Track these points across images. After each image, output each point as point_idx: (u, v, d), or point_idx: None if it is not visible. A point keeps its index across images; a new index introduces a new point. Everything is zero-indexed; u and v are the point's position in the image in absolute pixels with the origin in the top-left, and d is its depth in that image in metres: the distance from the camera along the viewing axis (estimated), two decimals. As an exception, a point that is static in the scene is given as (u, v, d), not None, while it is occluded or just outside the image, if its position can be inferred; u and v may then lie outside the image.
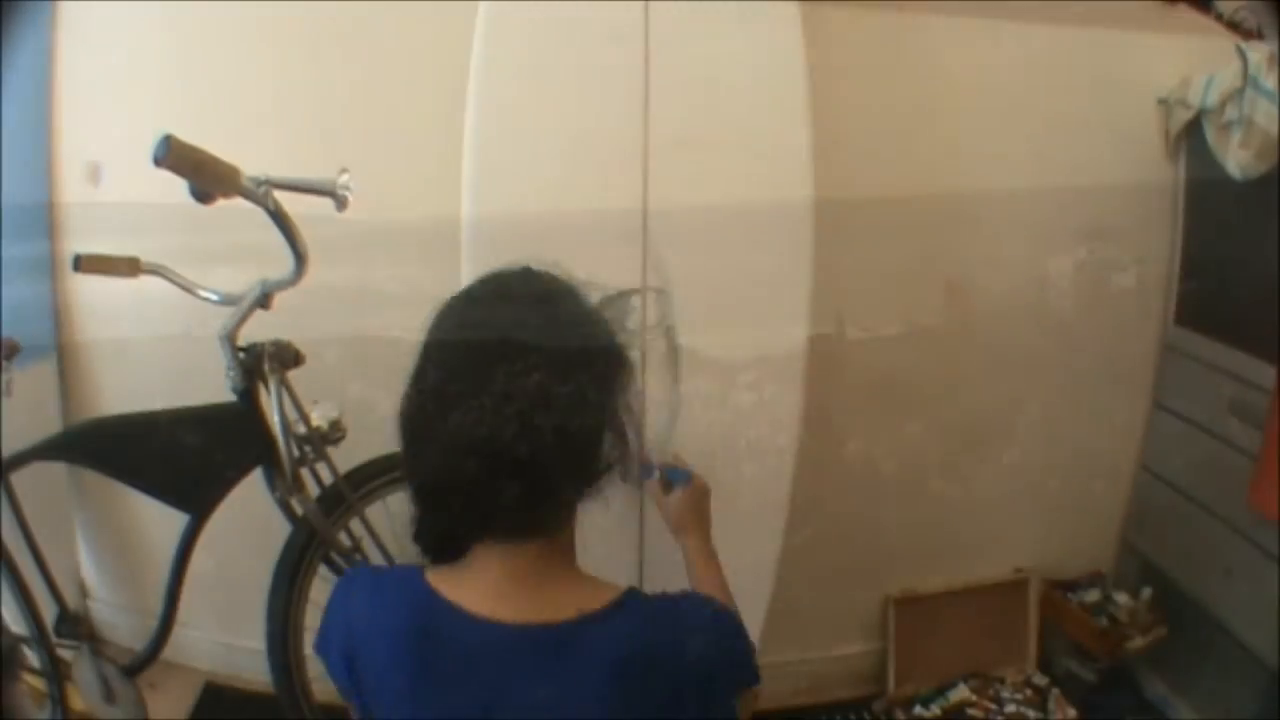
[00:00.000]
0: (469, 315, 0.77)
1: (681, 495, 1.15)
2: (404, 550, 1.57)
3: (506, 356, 0.70)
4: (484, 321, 0.75)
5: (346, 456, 1.50)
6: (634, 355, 1.26)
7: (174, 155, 1.02)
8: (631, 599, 0.74)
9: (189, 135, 1.04)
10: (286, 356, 1.38)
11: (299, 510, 1.41)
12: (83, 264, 1.43)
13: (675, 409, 1.35)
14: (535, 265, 0.82)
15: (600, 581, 0.76)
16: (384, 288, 1.71)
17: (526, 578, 0.73)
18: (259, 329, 1.36)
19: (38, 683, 1.51)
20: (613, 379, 0.77)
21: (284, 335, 1.39)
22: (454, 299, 0.81)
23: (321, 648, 0.82)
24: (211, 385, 1.37)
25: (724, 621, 0.80)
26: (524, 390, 0.69)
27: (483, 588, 0.73)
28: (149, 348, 1.79)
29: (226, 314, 1.35)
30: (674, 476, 1.17)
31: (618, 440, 0.77)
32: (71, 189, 1.76)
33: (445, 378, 0.73)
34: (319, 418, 1.42)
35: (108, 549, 1.95)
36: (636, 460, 0.83)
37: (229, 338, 1.34)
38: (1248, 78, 1.56)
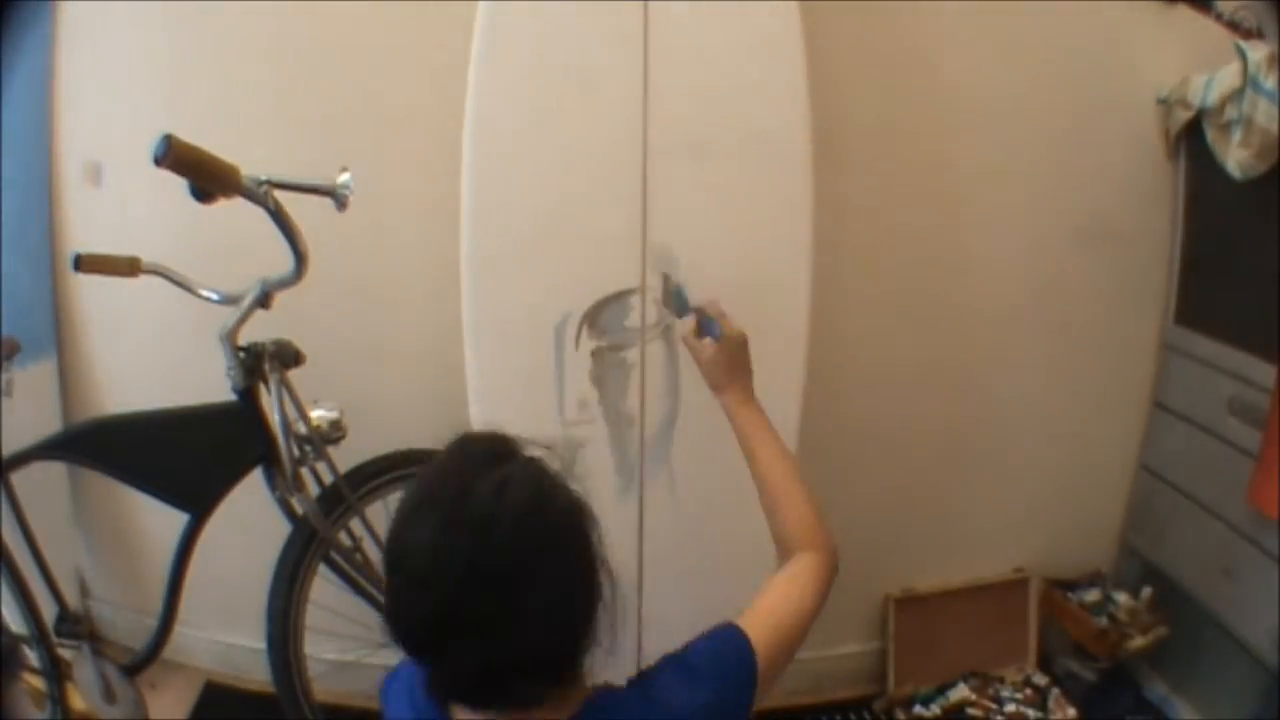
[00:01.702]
0: (440, 514, 0.71)
1: (716, 349, 1.07)
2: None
3: (485, 567, 0.68)
4: (454, 518, 0.70)
5: (346, 456, 1.50)
6: (633, 356, 1.26)
7: (174, 155, 1.02)
8: (599, 698, 0.76)
9: (189, 135, 1.05)
10: (286, 356, 1.38)
11: (299, 510, 1.41)
12: (83, 264, 1.44)
13: (675, 408, 1.35)
14: (473, 434, 0.78)
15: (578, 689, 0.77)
16: (384, 287, 1.72)
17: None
18: (259, 329, 1.37)
19: (38, 682, 1.51)
20: (586, 535, 0.74)
21: (284, 335, 1.40)
22: (419, 493, 0.75)
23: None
24: (211, 385, 1.37)
25: (699, 661, 0.81)
26: (515, 600, 0.68)
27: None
28: (149, 348, 1.79)
29: (226, 314, 1.35)
30: (708, 329, 1.10)
31: (599, 591, 0.74)
32: (71, 189, 1.76)
33: (429, 591, 0.70)
34: (319, 418, 1.42)
35: (108, 549, 1.95)
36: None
37: (229, 337, 1.34)
38: (1248, 78, 1.56)
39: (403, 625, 0.72)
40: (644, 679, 0.80)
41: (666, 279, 1.29)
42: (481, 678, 0.70)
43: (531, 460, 0.75)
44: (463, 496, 0.70)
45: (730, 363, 1.07)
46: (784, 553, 0.98)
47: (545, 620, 0.69)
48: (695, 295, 1.19)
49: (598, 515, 0.76)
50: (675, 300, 1.26)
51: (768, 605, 0.90)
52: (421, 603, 0.70)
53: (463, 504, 0.69)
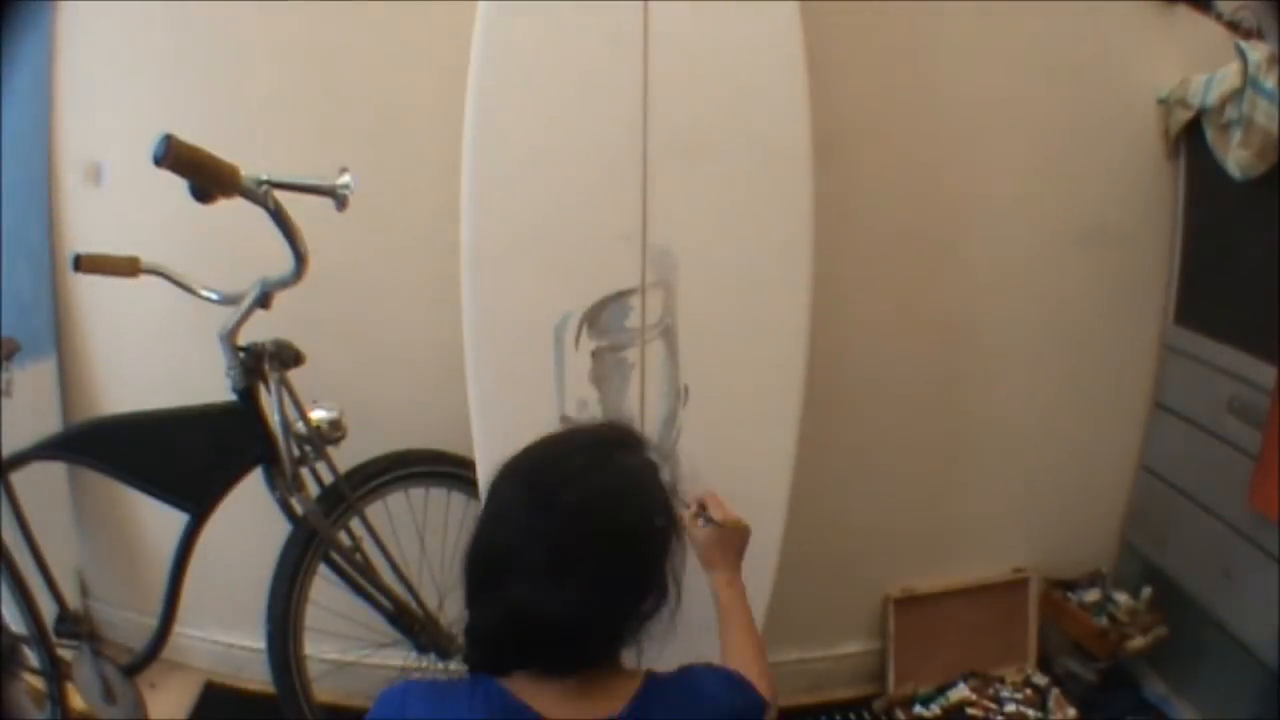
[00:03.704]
0: (535, 475, 0.83)
1: (710, 532, 1.13)
2: (404, 550, 1.57)
3: (566, 523, 0.78)
4: (546, 482, 0.81)
5: (346, 456, 1.50)
6: (633, 356, 1.27)
7: (174, 155, 1.02)
8: (650, 684, 0.84)
9: (189, 135, 1.05)
10: (286, 356, 1.38)
11: (299, 510, 1.41)
12: (83, 264, 1.44)
13: (675, 408, 1.35)
14: (614, 423, 0.93)
15: (630, 671, 0.86)
16: (384, 287, 1.72)
17: (585, 689, 0.81)
18: (259, 329, 1.37)
19: (37, 682, 1.51)
20: (666, 541, 0.84)
21: (284, 335, 1.40)
22: (533, 447, 0.87)
23: None
24: (211, 385, 1.38)
25: (733, 684, 0.92)
26: (580, 563, 0.77)
27: (552, 694, 0.80)
28: (149, 348, 1.79)
29: (226, 314, 1.35)
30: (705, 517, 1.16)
31: (662, 595, 0.83)
32: (71, 189, 1.76)
33: (507, 528, 0.80)
34: (319, 418, 1.42)
35: (108, 549, 1.95)
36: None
37: (229, 337, 1.34)
38: (1248, 78, 1.56)
39: (474, 551, 0.82)
40: (687, 671, 0.89)
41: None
42: (519, 625, 0.78)
43: (648, 461, 0.87)
44: (570, 460, 0.82)
45: (723, 547, 1.13)
46: None
47: (594, 592, 0.77)
48: (691, 489, 1.20)
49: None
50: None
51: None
52: (496, 534, 0.80)
53: (566, 466, 0.81)
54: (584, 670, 0.81)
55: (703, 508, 1.15)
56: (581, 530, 0.78)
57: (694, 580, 0.97)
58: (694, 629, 1.05)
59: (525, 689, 0.81)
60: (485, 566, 0.81)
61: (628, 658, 0.86)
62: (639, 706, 0.81)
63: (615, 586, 0.79)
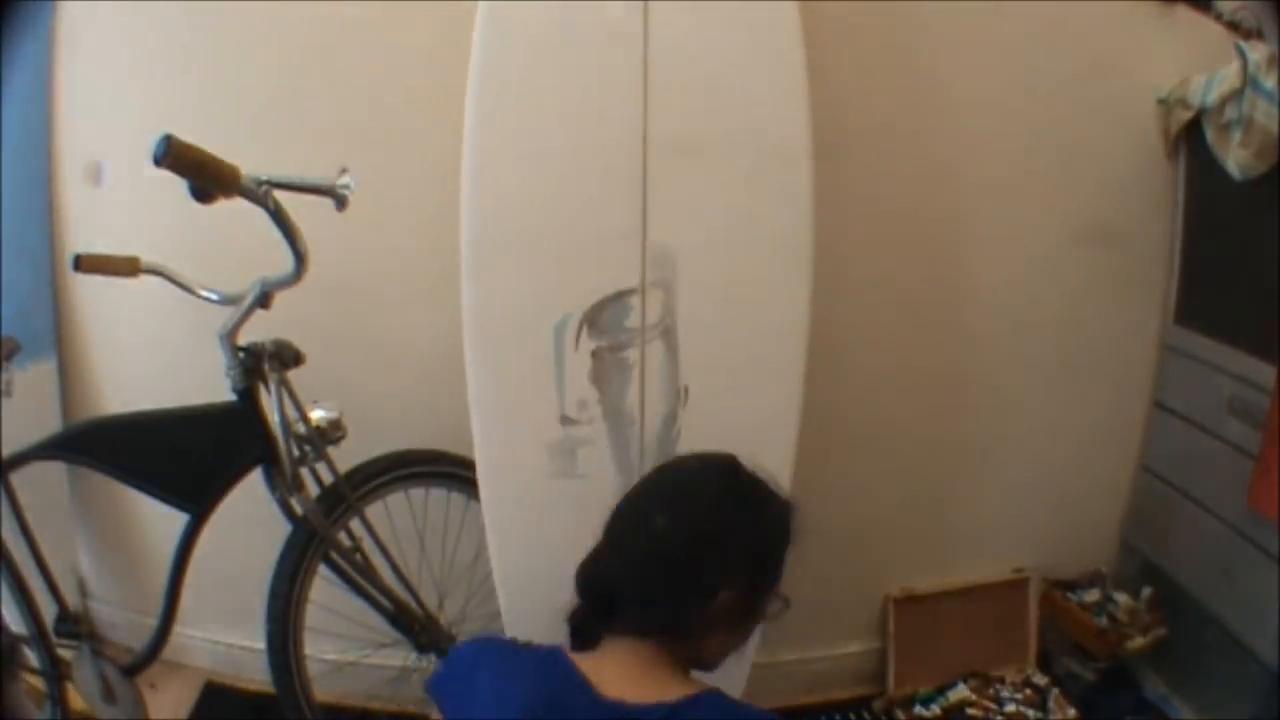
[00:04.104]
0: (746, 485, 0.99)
1: None
2: (404, 550, 1.57)
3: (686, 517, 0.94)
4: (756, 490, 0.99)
5: (346, 456, 1.50)
6: (633, 356, 1.27)
7: (174, 155, 1.02)
8: (712, 693, 0.90)
9: (189, 135, 1.05)
10: (286, 356, 1.38)
11: (299, 510, 1.42)
12: (83, 264, 1.44)
13: (675, 408, 1.35)
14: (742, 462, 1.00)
15: (698, 680, 0.93)
16: (384, 287, 1.72)
17: (648, 670, 0.89)
18: (259, 329, 1.37)
19: (38, 682, 1.51)
20: (773, 561, 0.99)
21: (284, 335, 1.40)
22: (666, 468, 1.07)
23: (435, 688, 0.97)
24: (211, 385, 1.38)
25: None
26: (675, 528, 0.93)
27: (611, 672, 0.88)
28: (149, 348, 1.79)
29: (226, 314, 1.35)
30: None
31: (751, 608, 0.97)
32: (71, 189, 1.76)
33: (629, 502, 0.98)
34: (319, 418, 1.42)
35: (108, 549, 1.96)
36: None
37: (229, 337, 1.34)
38: (1248, 78, 1.56)
39: (618, 513, 0.97)
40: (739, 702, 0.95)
41: None
42: (613, 588, 0.92)
43: (787, 502, 1.02)
44: (723, 479, 0.98)
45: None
46: None
47: (689, 589, 0.90)
48: None
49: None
50: None
51: None
52: (633, 512, 0.96)
53: (702, 491, 0.97)
54: (662, 650, 0.90)
55: None
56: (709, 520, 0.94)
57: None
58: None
59: (591, 664, 0.88)
60: (612, 524, 0.96)
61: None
62: (691, 703, 0.85)
63: (686, 577, 0.91)
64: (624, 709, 0.84)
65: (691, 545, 0.92)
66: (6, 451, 1.38)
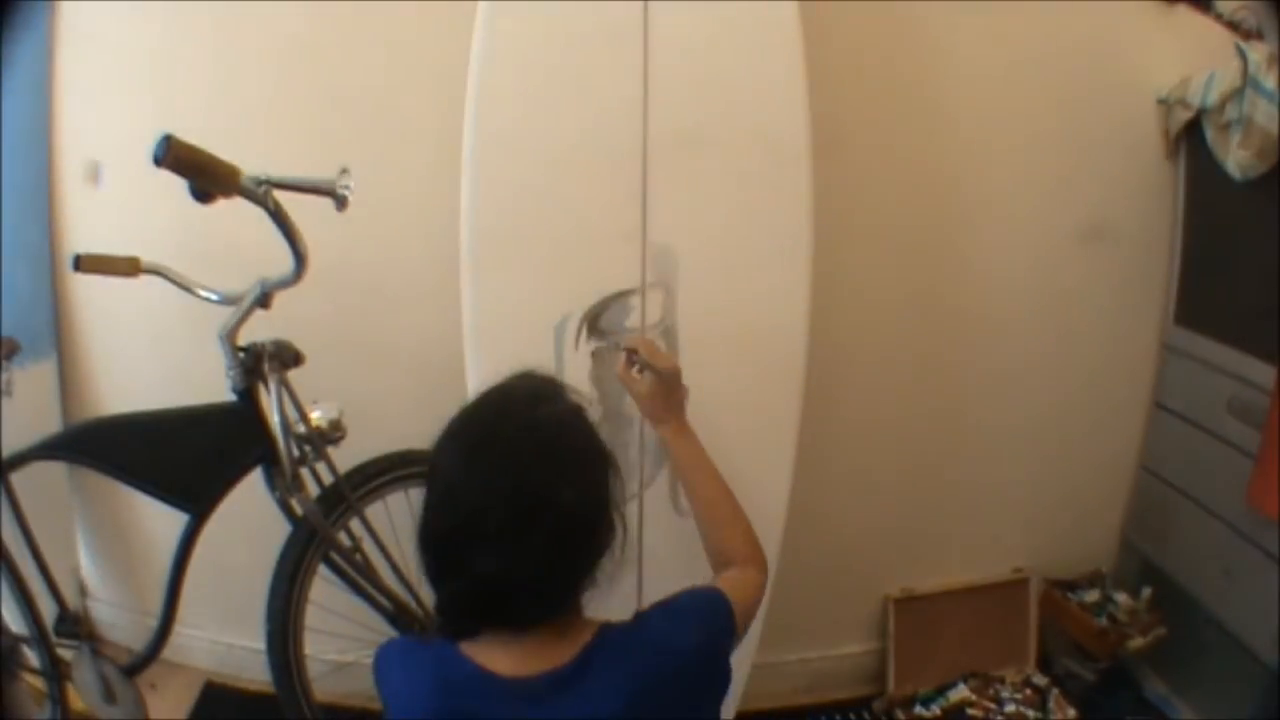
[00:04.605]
0: (476, 447, 0.82)
1: (653, 382, 1.13)
2: (404, 550, 1.57)
3: (513, 482, 0.79)
4: (490, 451, 0.81)
5: (346, 456, 1.50)
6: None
7: (174, 155, 1.02)
8: (602, 632, 0.85)
9: (189, 135, 1.05)
10: (286, 356, 1.38)
11: (299, 510, 1.41)
12: (83, 264, 1.44)
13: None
14: (528, 373, 0.89)
15: (586, 622, 0.86)
16: (384, 287, 1.72)
17: (543, 643, 0.83)
18: (259, 329, 1.37)
19: (38, 683, 1.51)
20: (607, 480, 0.85)
21: (284, 335, 1.40)
22: (458, 421, 0.86)
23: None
24: (211, 385, 1.37)
25: (691, 618, 0.90)
26: (533, 519, 0.78)
27: (511, 652, 0.82)
28: (149, 348, 1.79)
29: (226, 314, 1.35)
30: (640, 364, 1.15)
31: (611, 533, 0.84)
32: (71, 189, 1.76)
33: (458, 506, 0.80)
34: (319, 418, 1.42)
35: (108, 549, 1.96)
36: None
37: (228, 338, 1.34)
38: (1248, 78, 1.56)
39: (430, 533, 0.82)
40: (640, 619, 0.89)
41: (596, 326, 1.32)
42: (488, 592, 0.79)
43: (573, 405, 0.86)
44: (500, 424, 0.82)
45: (667, 395, 1.14)
46: (721, 564, 1.07)
47: (555, 544, 0.78)
48: (625, 337, 1.23)
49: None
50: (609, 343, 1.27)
51: (729, 582, 1.00)
52: (449, 514, 0.81)
53: (497, 431, 0.81)
54: (549, 623, 0.82)
55: (633, 354, 1.13)
56: (535, 489, 0.78)
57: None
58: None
59: (482, 650, 0.82)
60: (445, 546, 0.81)
61: (591, 608, 0.87)
62: (583, 660, 0.82)
63: (575, 535, 0.80)
64: (525, 684, 0.80)
65: (589, 512, 0.82)
66: (6, 451, 1.38)
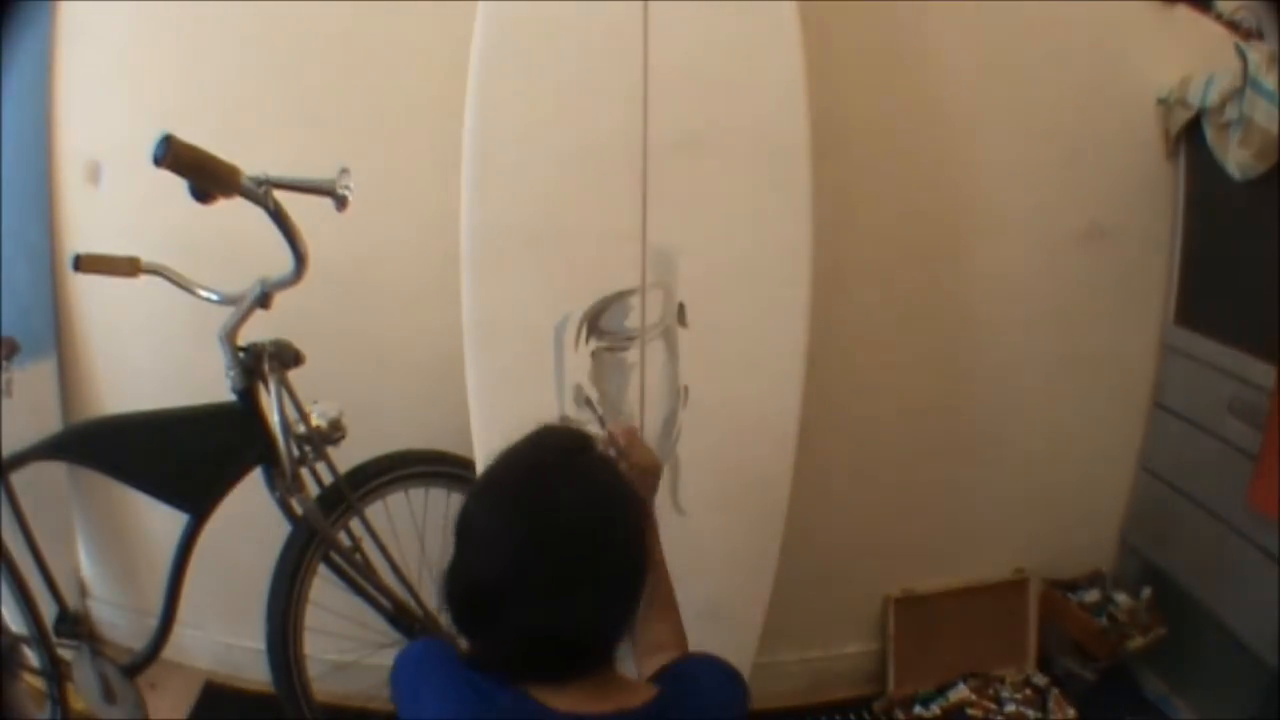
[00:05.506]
0: (519, 499, 0.81)
1: (626, 470, 1.08)
2: (404, 550, 1.57)
3: (565, 539, 0.78)
4: (534, 504, 0.80)
5: (346, 456, 1.50)
6: (633, 356, 1.27)
7: (174, 155, 1.02)
8: (664, 678, 0.87)
9: (189, 135, 1.05)
10: (286, 356, 1.38)
11: (299, 510, 1.41)
12: (83, 264, 1.44)
13: (675, 408, 1.35)
14: (552, 426, 0.89)
15: (631, 680, 0.87)
16: (384, 288, 1.72)
17: (600, 685, 0.82)
18: (259, 329, 1.37)
19: (38, 683, 1.51)
20: (642, 525, 0.86)
21: (284, 335, 1.40)
22: (492, 475, 0.85)
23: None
24: (211, 385, 1.37)
25: (728, 676, 0.91)
26: (586, 573, 0.78)
27: (570, 696, 0.80)
28: (149, 348, 1.79)
29: (226, 314, 1.35)
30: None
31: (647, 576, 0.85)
32: (71, 189, 1.76)
33: (498, 558, 0.78)
34: (319, 418, 1.42)
35: (108, 549, 1.96)
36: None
37: (229, 338, 1.34)
38: (1248, 78, 1.56)
39: (461, 587, 0.80)
40: (684, 677, 0.89)
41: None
42: (524, 647, 0.78)
43: (604, 454, 0.87)
44: (539, 474, 0.81)
45: (637, 484, 1.08)
46: (653, 649, 1.03)
47: (593, 600, 0.78)
48: (612, 421, 1.22)
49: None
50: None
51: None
52: (484, 567, 0.79)
53: (538, 481, 0.81)
54: (595, 674, 0.82)
55: (614, 439, 1.11)
56: (581, 542, 0.78)
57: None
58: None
59: (543, 693, 0.80)
60: (479, 597, 0.79)
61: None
62: (658, 705, 0.82)
63: (620, 585, 0.81)
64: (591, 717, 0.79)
65: (636, 557, 0.83)
66: (6, 451, 1.38)
